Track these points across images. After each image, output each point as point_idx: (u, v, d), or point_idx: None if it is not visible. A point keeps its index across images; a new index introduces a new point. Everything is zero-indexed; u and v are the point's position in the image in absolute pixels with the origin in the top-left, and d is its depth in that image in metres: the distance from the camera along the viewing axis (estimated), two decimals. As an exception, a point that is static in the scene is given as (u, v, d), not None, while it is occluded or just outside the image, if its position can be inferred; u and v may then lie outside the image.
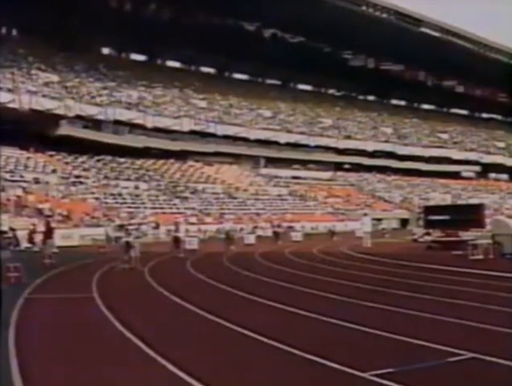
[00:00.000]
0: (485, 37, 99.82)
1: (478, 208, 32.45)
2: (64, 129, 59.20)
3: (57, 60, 68.67)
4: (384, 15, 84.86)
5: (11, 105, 55.01)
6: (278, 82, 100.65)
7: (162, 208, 55.24)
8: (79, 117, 61.29)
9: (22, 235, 37.50)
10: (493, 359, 7.12)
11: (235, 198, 64.14)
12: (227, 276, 18.70)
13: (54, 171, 54.81)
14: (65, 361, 7.61)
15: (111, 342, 8.80)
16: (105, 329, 9.81)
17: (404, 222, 67.88)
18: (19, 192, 46.32)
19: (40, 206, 44.91)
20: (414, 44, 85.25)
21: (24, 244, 36.42)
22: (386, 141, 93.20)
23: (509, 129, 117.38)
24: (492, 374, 6.74)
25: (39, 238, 30.41)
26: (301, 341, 8.34)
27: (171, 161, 69.09)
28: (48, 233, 23.63)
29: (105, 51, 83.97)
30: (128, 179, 59.40)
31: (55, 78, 64.52)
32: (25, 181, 49.98)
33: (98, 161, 61.76)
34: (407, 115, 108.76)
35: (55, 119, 58.26)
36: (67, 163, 58.76)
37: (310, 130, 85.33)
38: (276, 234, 45.35)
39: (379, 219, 63.21)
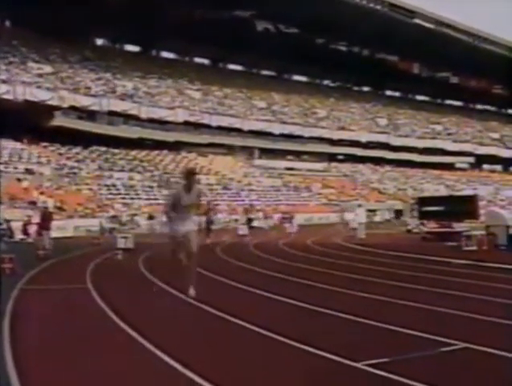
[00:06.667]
0: (479, 28, 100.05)
1: (472, 199, 32.51)
2: (58, 120, 59.23)
3: (51, 51, 68.51)
4: (378, 7, 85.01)
5: (5, 96, 54.93)
6: (273, 73, 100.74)
7: (156, 199, 55.26)
8: (73, 108, 61.29)
9: (16, 226, 37.56)
10: (486, 349, 7.16)
11: (229, 189, 64.21)
12: (220, 266, 18.71)
13: (48, 162, 54.78)
14: (60, 352, 7.62)
15: (105, 332, 8.81)
16: (99, 319, 9.82)
17: (398, 213, 67.97)
18: (13, 183, 46.33)
19: (34, 197, 44.93)
20: (409, 36, 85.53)
21: (19, 236, 36.48)
22: (381, 132, 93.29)
23: (504, 120, 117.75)
24: (485, 364, 6.78)
25: (33, 229, 30.43)
26: (294, 331, 8.37)
27: (165, 152, 69.12)
28: (45, 224, 23.57)
29: (99, 42, 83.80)
30: (122, 170, 59.46)
31: (48, 69, 64.36)
32: (19, 172, 49.98)
33: (92, 152, 61.78)
34: (402, 106, 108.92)
35: (49, 110, 58.22)
36: (61, 154, 58.76)
37: (304, 121, 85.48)
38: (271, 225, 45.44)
39: (373, 210, 63.29)
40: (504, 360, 6.83)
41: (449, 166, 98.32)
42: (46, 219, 23.87)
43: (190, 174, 11.96)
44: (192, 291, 11.65)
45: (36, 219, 27.81)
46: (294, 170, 78.38)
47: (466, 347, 7.31)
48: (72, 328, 9.19)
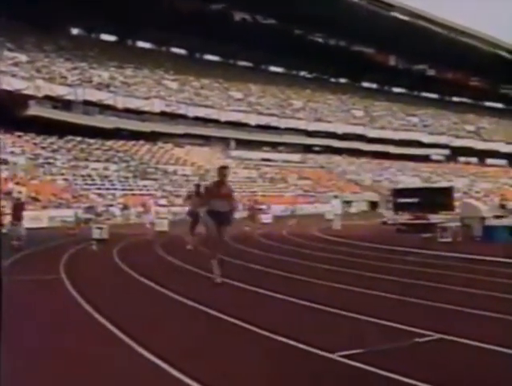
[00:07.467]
0: (456, 22, 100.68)
1: (447, 191, 32.68)
2: (33, 110, 58.84)
3: (26, 40, 67.98)
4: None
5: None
6: (250, 64, 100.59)
7: (131, 190, 55.10)
8: (48, 98, 60.87)
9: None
10: (460, 340, 7.18)
11: (205, 180, 64.05)
12: (197, 257, 18.63)
13: (22, 152, 54.39)
14: (34, 342, 7.55)
15: (78, 323, 8.73)
16: (73, 310, 9.75)
17: (374, 204, 68.18)
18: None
19: (9, 187, 44.57)
20: (386, 28, 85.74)
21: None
22: (357, 124, 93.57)
23: (480, 113, 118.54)
24: (459, 354, 6.79)
25: (7, 220, 30.20)
26: (269, 322, 8.33)
27: (142, 142, 68.86)
28: (17, 214, 23.39)
29: (75, 31, 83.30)
30: (97, 160, 59.14)
31: (24, 58, 63.91)
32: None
33: (67, 142, 61.38)
34: (378, 98, 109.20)
35: (24, 99, 57.81)
36: (35, 144, 58.32)
37: (280, 112, 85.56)
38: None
39: (349, 202, 63.47)
40: (478, 351, 6.85)
41: (425, 158, 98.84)
42: (18, 209, 23.71)
43: None
44: None
45: (9, 209, 27.58)
46: (270, 162, 78.41)
47: (441, 338, 7.32)
48: (44, 318, 9.11)
